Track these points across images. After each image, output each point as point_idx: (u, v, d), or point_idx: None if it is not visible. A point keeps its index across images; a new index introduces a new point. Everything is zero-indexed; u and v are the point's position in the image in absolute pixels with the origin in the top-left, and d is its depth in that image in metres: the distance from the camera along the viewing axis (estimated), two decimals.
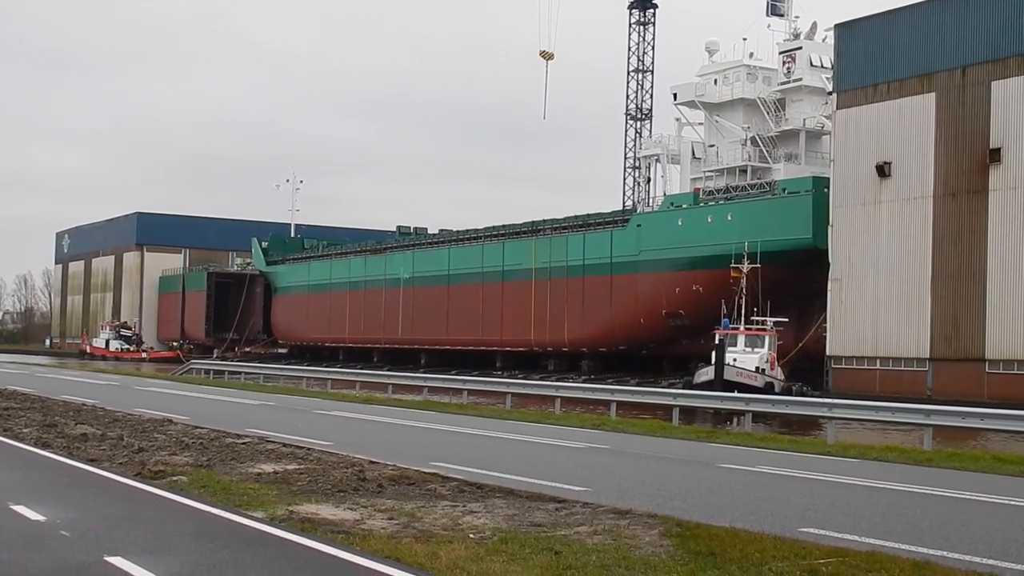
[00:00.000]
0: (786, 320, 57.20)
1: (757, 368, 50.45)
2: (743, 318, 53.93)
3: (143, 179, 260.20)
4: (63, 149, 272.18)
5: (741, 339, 52.49)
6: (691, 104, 79.97)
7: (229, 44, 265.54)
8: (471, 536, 12.27)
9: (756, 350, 52.01)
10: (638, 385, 56.98)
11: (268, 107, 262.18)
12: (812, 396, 45.65)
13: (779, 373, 53.45)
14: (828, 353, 60.24)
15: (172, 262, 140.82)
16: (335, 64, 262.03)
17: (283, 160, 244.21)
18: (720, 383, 46.62)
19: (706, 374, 49.77)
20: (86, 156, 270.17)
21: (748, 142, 75.48)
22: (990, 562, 11.33)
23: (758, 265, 55.67)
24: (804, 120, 73.93)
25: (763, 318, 54.58)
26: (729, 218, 67.70)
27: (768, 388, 48.25)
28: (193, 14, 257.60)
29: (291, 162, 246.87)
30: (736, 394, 37.08)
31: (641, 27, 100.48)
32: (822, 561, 10.82)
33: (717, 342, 50.86)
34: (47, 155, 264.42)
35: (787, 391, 49.48)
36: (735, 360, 49.92)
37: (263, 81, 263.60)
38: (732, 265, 56.46)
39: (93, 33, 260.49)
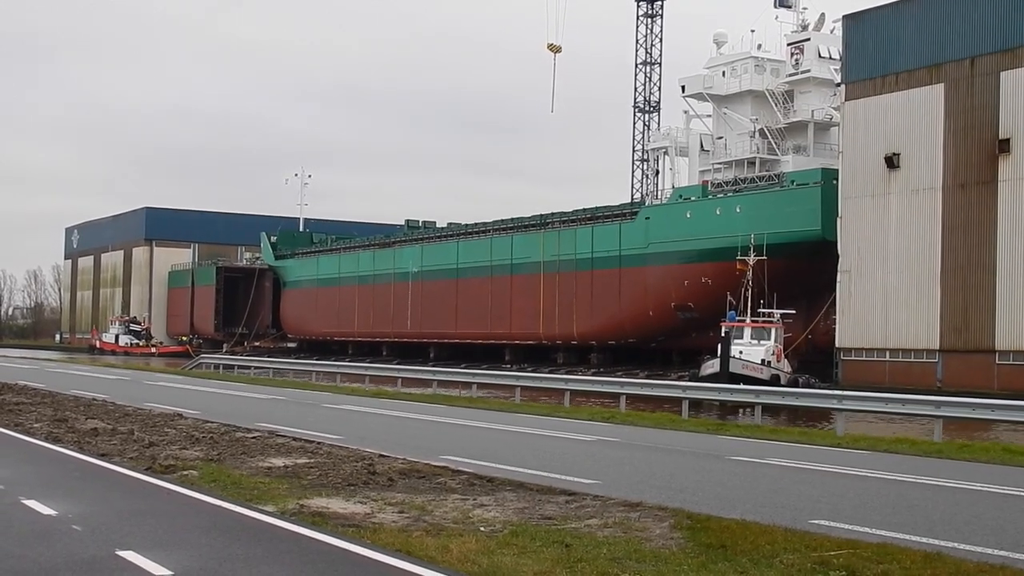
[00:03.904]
0: (793, 312, 57.17)
1: (763, 360, 50.41)
2: (750, 310, 53.87)
3: (126, 173, 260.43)
4: (34, 142, 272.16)
5: (747, 331, 52.45)
6: (699, 96, 79.86)
7: (211, 37, 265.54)
8: (481, 529, 12.28)
9: (762, 342, 51.98)
10: (647, 378, 56.96)
11: (254, 101, 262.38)
12: (819, 388, 45.60)
13: (785, 365, 53.38)
14: (837, 345, 60.18)
15: (181, 257, 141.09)
16: (324, 55, 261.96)
17: (269, 153, 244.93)
18: (726, 376, 46.59)
19: (712, 367, 49.73)
20: (55, 148, 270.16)
21: (756, 134, 75.37)
22: (1001, 554, 11.31)
23: (764, 257, 55.61)
24: (812, 112, 73.78)
25: (770, 310, 54.53)
26: (738, 210, 67.63)
27: (774, 380, 48.24)
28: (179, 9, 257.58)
29: (280, 155, 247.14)
30: (746, 387, 37.03)
31: (648, 19, 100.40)
32: (833, 553, 10.81)
33: (723, 335, 50.82)
34: (19, 149, 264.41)
35: (793, 383, 49.46)
36: (741, 352, 49.88)
37: (250, 75, 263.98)
38: (738, 257, 56.41)
39: (55, 22, 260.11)
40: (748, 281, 54.59)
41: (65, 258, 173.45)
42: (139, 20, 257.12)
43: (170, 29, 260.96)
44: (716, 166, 78.40)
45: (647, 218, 75.44)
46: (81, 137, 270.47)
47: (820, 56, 73.96)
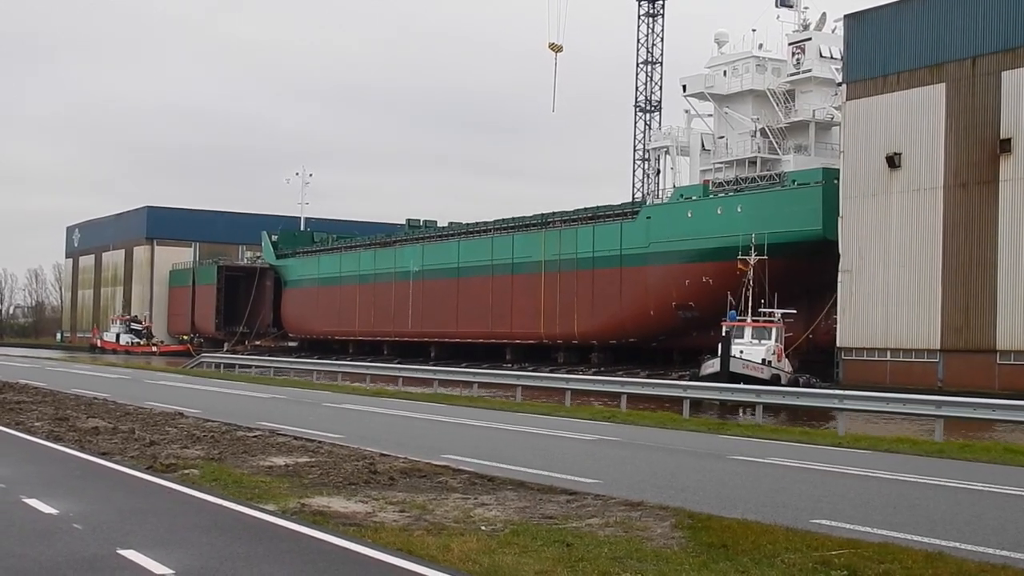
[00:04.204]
0: (794, 312, 57.14)
1: (763, 360, 50.35)
2: (750, 310, 53.83)
3: (127, 173, 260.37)
4: (35, 142, 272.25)
5: (748, 331, 52.40)
6: (700, 96, 79.89)
7: (211, 37, 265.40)
8: (483, 528, 12.28)
9: (763, 342, 51.91)
10: (648, 377, 56.94)
11: (254, 100, 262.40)
12: (820, 387, 45.57)
13: (786, 365, 53.33)
14: (838, 344, 60.16)
15: (182, 256, 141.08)
16: (324, 55, 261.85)
17: (269, 153, 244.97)
18: (726, 375, 46.55)
19: (712, 366, 49.68)
20: (56, 148, 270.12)
21: (757, 133, 75.35)
22: (1003, 553, 11.31)
23: (765, 257, 55.56)
24: (813, 111, 73.76)
25: (770, 310, 54.49)
26: (739, 210, 67.62)
27: (774, 380, 48.17)
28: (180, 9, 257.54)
29: (280, 155, 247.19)
30: (747, 386, 37.00)
31: (650, 19, 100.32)
32: (834, 552, 10.81)
33: (724, 334, 50.79)
34: (20, 148, 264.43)
35: (794, 383, 49.41)
36: (741, 352, 49.82)
37: (251, 75, 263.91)
38: (739, 257, 56.38)
39: (55, 22, 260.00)
40: (749, 281, 54.56)
41: (66, 257, 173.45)
42: (139, 20, 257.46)
43: (170, 29, 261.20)
44: (717, 165, 78.39)
45: (648, 217, 75.42)
46: (81, 136, 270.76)
47: (821, 56, 73.95)
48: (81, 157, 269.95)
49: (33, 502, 13.53)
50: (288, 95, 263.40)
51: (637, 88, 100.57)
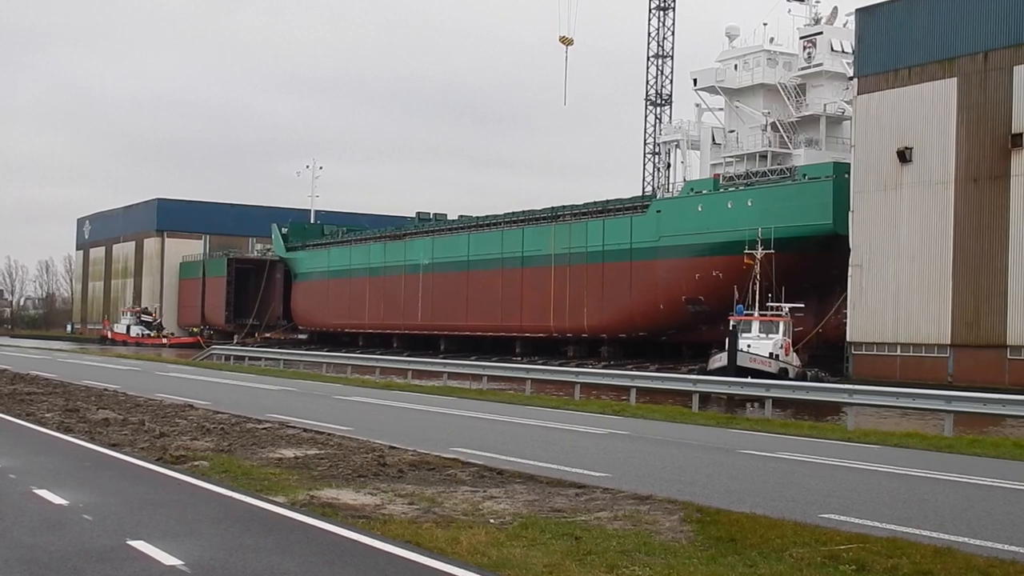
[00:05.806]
0: (803, 306, 56.99)
1: (771, 354, 50.22)
2: (758, 304, 53.73)
3: (136, 166, 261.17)
4: (45, 134, 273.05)
5: (755, 325, 52.27)
6: (711, 89, 79.70)
7: (215, 30, 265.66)
8: (491, 521, 12.30)
9: (770, 336, 51.72)
10: (658, 371, 56.87)
11: (258, 94, 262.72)
12: (829, 382, 45.42)
13: (794, 359, 53.18)
14: (848, 339, 60.06)
15: (192, 248, 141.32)
16: (332, 48, 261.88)
17: (274, 146, 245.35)
18: (733, 369, 46.45)
19: (719, 360, 49.57)
20: (64, 140, 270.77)
21: (768, 127, 75.19)
22: (1012, 548, 11.30)
23: (772, 251, 55.45)
24: (824, 105, 73.57)
25: (778, 304, 54.37)
26: (749, 204, 67.53)
27: (782, 374, 48.00)
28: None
29: (286, 148, 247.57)
30: (757, 380, 36.93)
31: (661, 12, 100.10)
32: (843, 547, 10.81)
33: (731, 328, 50.72)
34: (28, 140, 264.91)
35: (802, 377, 49.27)
36: (749, 346, 49.70)
37: (256, 69, 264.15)
38: (746, 251, 56.30)
39: (59, 14, 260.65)
40: (756, 275, 54.46)
41: (77, 248, 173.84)
42: (142, 12, 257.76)
43: (173, 22, 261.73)
44: (728, 159, 78.22)
45: (658, 211, 75.34)
46: (87, 129, 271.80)
47: (832, 50, 73.78)
48: (88, 150, 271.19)
49: (43, 493, 13.59)
50: (291, 88, 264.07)
51: (648, 82, 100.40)
